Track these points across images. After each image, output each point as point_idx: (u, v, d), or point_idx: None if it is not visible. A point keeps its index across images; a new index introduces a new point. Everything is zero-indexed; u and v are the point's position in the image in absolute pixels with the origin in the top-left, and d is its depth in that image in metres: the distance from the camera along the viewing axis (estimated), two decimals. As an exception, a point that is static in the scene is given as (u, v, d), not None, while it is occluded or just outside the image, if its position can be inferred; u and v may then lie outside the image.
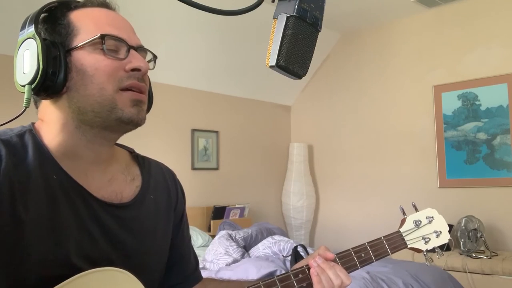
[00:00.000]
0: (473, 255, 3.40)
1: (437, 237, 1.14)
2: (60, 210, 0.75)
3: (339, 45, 4.91)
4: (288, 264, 2.66)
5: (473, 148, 3.95)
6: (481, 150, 3.91)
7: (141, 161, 0.94)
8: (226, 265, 2.80)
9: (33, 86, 0.75)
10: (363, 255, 0.99)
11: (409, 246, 1.11)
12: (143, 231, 0.86)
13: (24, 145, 0.76)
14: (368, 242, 1.01)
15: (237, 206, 4.33)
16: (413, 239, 1.11)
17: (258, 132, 4.91)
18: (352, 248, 0.98)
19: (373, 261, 1.01)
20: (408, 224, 1.12)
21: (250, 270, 2.45)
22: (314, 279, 0.89)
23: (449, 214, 3.84)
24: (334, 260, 0.93)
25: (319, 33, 0.80)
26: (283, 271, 2.39)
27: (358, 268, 0.97)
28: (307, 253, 2.80)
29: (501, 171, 3.80)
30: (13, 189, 0.70)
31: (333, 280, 0.89)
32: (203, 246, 3.59)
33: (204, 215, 4.20)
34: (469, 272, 3.29)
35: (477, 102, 3.95)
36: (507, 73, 3.78)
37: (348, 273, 0.95)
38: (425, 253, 1.12)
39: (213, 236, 3.50)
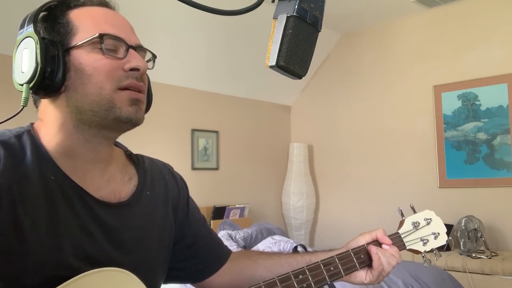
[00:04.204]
0: (473, 255, 3.40)
1: (435, 238, 1.14)
2: (59, 211, 0.74)
3: (339, 45, 4.91)
4: (288, 264, 2.66)
5: (473, 148, 3.95)
6: (481, 150, 3.91)
7: (135, 159, 0.94)
8: (226, 265, 2.80)
9: (31, 85, 0.74)
10: (362, 256, 0.99)
11: (407, 248, 1.11)
12: (141, 228, 0.87)
13: (22, 146, 0.76)
14: (367, 244, 1.01)
15: (237, 206, 4.33)
16: (411, 241, 1.12)
17: (258, 132, 4.91)
18: (352, 249, 0.98)
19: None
20: (407, 226, 1.13)
21: (250, 270, 2.45)
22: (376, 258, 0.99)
23: (449, 214, 3.84)
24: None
25: (319, 33, 0.80)
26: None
27: (357, 269, 0.98)
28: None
29: (501, 171, 3.80)
30: (12, 191, 0.70)
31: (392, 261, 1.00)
32: (203, 246, 3.58)
33: (204, 215, 4.18)
34: (469, 272, 3.29)
35: (477, 102, 3.95)
36: (507, 73, 3.78)
37: (348, 274, 0.96)
38: (423, 255, 1.13)
39: (213, 236, 3.49)
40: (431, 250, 1.14)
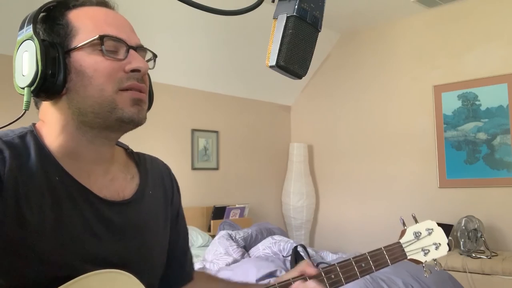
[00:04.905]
0: (473, 255, 3.40)
1: (436, 249, 1.15)
2: (64, 211, 0.75)
3: (339, 45, 4.91)
4: (288, 264, 2.66)
5: (473, 148, 3.95)
6: (481, 150, 3.91)
7: (136, 158, 0.94)
8: (226, 265, 2.80)
9: (32, 88, 0.74)
10: (363, 265, 0.99)
11: (408, 258, 1.11)
12: (145, 226, 0.87)
13: (26, 146, 0.76)
14: (368, 252, 1.01)
15: (237, 206, 4.33)
16: (412, 251, 1.12)
17: (258, 132, 4.91)
18: (353, 258, 0.99)
19: (373, 271, 1.02)
20: (408, 236, 1.13)
21: (250, 270, 2.45)
22: None
23: (449, 214, 3.84)
24: (318, 275, 0.89)
25: (319, 33, 0.80)
26: (283, 271, 2.39)
27: (358, 278, 0.98)
28: (307, 253, 2.80)
29: (501, 171, 3.80)
30: (18, 191, 0.71)
31: None
32: (203, 246, 3.59)
33: (204, 215, 4.20)
34: (469, 272, 3.29)
35: (477, 102, 3.95)
36: (507, 73, 3.78)
37: (349, 282, 0.95)
38: (424, 265, 1.13)
39: (213, 236, 3.50)
40: (432, 261, 1.14)
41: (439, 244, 1.15)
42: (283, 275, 0.92)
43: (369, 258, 1.01)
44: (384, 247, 1.05)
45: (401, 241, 1.12)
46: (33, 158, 0.75)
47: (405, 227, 1.14)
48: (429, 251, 1.13)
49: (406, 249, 1.11)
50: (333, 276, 0.93)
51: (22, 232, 0.69)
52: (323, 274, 0.91)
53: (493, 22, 3.88)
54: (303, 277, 0.89)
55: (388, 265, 1.05)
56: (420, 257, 1.12)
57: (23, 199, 0.71)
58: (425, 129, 4.22)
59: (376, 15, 4.38)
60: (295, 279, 0.88)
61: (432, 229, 1.15)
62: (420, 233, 1.14)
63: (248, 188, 4.72)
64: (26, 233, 0.70)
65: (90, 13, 0.80)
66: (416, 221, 1.16)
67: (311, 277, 0.89)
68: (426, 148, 4.20)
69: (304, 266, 0.90)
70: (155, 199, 0.91)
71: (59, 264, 0.71)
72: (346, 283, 0.95)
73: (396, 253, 1.06)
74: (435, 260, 1.14)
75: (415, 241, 1.12)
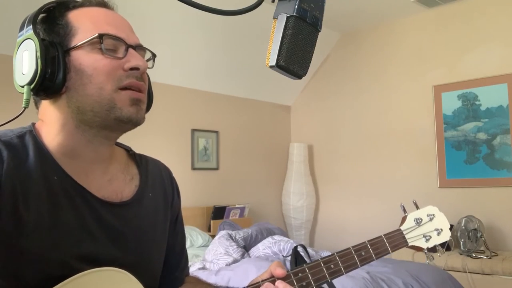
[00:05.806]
0: (473, 255, 3.40)
1: (438, 235, 1.13)
2: (61, 210, 0.75)
3: (339, 45, 4.91)
4: (288, 264, 2.66)
5: (473, 148, 3.95)
6: (481, 150, 3.91)
7: (138, 159, 0.94)
8: (226, 265, 2.80)
9: (32, 86, 0.75)
10: (363, 253, 0.98)
11: (409, 244, 1.10)
12: (144, 228, 0.87)
13: (25, 146, 0.76)
14: (368, 241, 1.00)
15: (237, 206, 4.33)
16: (414, 237, 1.10)
17: (258, 132, 4.91)
18: (353, 247, 0.97)
19: (373, 260, 1.00)
20: (409, 222, 1.11)
21: (250, 270, 2.45)
22: None
23: (449, 214, 3.81)
24: (287, 277, 0.87)
25: (319, 33, 0.80)
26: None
27: (358, 267, 0.97)
28: (307, 253, 2.80)
29: (501, 171, 3.80)
30: (15, 190, 0.71)
31: None
32: (203, 246, 3.59)
33: (204, 215, 4.20)
34: (469, 272, 3.29)
35: (477, 102, 3.95)
36: (507, 73, 3.78)
37: (349, 271, 0.95)
38: (425, 251, 1.12)
39: (213, 236, 3.50)
40: (434, 247, 1.13)
41: (441, 229, 1.13)
42: (256, 277, 0.90)
43: (369, 246, 1.00)
44: (385, 235, 1.04)
45: (402, 228, 1.10)
46: (31, 157, 0.75)
47: (406, 214, 1.12)
48: (430, 237, 1.12)
49: (407, 236, 1.09)
50: (332, 266, 0.92)
51: (19, 231, 0.70)
52: (292, 276, 0.88)
53: (493, 22, 3.88)
54: (272, 278, 0.87)
55: (389, 252, 1.04)
56: (421, 243, 1.11)
57: (20, 199, 0.71)
58: (425, 129, 4.22)
59: (376, 15, 4.38)
60: (264, 281, 0.87)
61: (433, 214, 1.14)
62: (421, 219, 1.12)
63: (248, 188, 4.72)
64: (23, 232, 0.70)
65: (90, 13, 0.81)
66: (417, 208, 1.14)
67: (280, 278, 0.86)
68: (426, 148, 4.20)
69: (274, 267, 0.88)
70: (154, 202, 0.91)
71: (56, 263, 0.72)
72: (346, 272, 0.94)
73: (396, 240, 1.05)
74: (437, 246, 1.13)
75: (416, 228, 1.11)
